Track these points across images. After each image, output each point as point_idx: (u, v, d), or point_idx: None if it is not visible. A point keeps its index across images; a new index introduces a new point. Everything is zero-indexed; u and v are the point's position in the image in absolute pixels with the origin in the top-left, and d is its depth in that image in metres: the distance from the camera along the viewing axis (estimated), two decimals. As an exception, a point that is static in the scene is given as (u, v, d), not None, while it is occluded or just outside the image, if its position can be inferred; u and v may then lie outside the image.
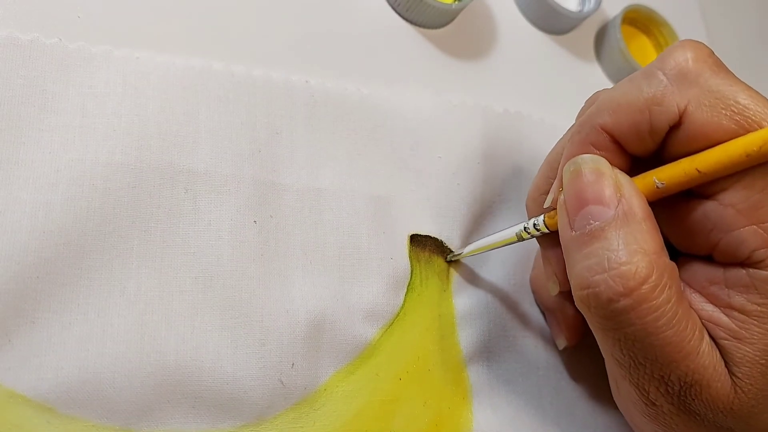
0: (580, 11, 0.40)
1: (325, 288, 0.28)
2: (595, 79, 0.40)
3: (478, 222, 0.32)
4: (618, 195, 0.23)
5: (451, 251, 0.31)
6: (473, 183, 0.32)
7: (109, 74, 0.27)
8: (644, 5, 0.42)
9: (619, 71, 0.40)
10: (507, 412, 0.29)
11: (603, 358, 0.28)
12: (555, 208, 0.25)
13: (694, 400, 0.22)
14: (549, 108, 0.36)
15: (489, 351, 0.30)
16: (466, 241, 0.31)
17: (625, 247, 0.22)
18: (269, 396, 0.26)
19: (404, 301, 0.29)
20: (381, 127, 0.31)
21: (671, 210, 0.24)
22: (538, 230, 0.27)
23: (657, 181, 0.23)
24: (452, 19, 0.36)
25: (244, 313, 0.26)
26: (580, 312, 0.29)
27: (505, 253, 0.32)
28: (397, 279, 0.29)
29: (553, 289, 0.28)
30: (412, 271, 0.30)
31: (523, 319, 0.31)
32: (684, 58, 0.23)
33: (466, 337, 0.30)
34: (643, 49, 0.42)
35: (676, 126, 0.23)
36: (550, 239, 0.27)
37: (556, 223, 0.25)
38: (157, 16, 0.29)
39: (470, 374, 0.30)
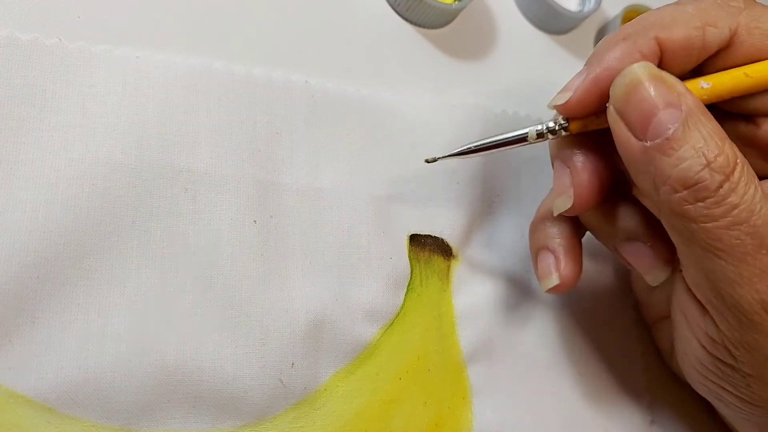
0: (580, 11, 0.40)
1: (325, 288, 0.28)
2: (595, 79, 0.40)
3: (478, 221, 0.32)
4: (679, 95, 0.23)
5: (451, 249, 0.31)
6: (473, 182, 0.32)
7: (109, 74, 0.27)
8: (644, 5, 0.41)
9: (619, 71, 0.40)
10: (507, 412, 0.29)
11: (604, 359, 0.28)
12: (568, 114, 0.25)
13: None
14: (549, 109, 0.36)
15: (489, 351, 0.30)
16: (466, 240, 0.31)
17: (711, 139, 0.23)
18: (269, 396, 0.26)
19: (404, 300, 0.29)
20: (381, 127, 0.31)
21: (734, 135, 0.26)
22: (554, 133, 0.25)
23: (703, 82, 0.24)
24: (452, 19, 0.36)
25: (244, 312, 0.26)
26: (579, 253, 0.28)
27: (505, 253, 0.32)
28: (396, 279, 0.29)
29: (564, 205, 0.26)
30: (411, 271, 0.30)
31: (523, 319, 0.31)
32: None
33: (466, 337, 0.30)
34: (643, 49, 0.42)
35: (723, 48, 0.25)
36: (569, 146, 0.26)
37: (584, 126, 0.25)
38: (157, 15, 0.29)
39: (470, 374, 0.30)
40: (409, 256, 0.30)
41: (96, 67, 0.27)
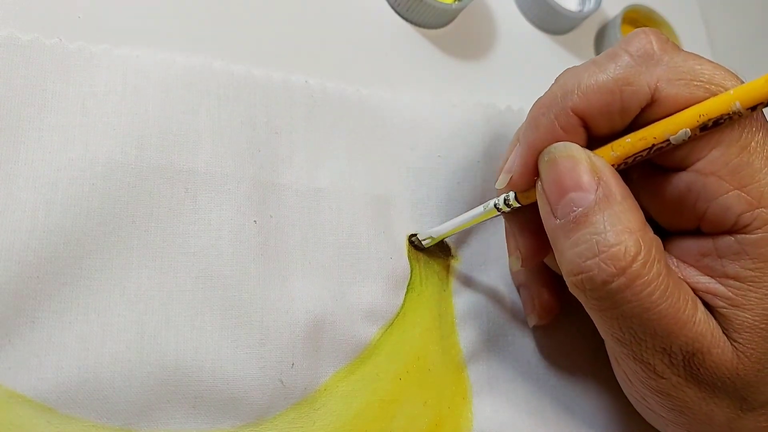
0: (580, 11, 0.40)
1: (325, 288, 0.28)
2: (595, 79, 0.40)
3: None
4: (596, 178, 0.23)
5: (450, 249, 0.31)
6: (474, 182, 0.32)
7: (109, 73, 0.27)
8: (644, 5, 0.42)
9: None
10: (507, 412, 0.29)
11: (603, 357, 0.28)
12: (514, 190, 0.26)
13: (699, 368, 0.23)
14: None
15: (489, 351, 0.30)
16: (466, 240, 0.31)
17: (611, 228, 0.22)
18: (269, 396, 0.26)
19: (404, 301, 0.29)
20: (381, 126, 0.31)
21: (654, 188, 0.25)
22: (509, 206, 0.27)
23: (612, 149, 0.24)
24: (452, 19, 0.36)
25: (244, 313, 0.26)
26: (554, 290, 0.30)
27: (504, 253, 0.32)
28: (396, 279, 0.29)
29: (515, 264, 0.28)
30: (411, 271, 0.30)
31: (523, 319, 0.31)
32: (647, 40, 0.24)
33: (466, 337, 0.30)
34: (643, 49, 0.42)
35: (647, 105, 0.23)
36: (515, 214, 0.27)
37: (528, 198, 0.26)
38: (158, 15, 0.29)
39: (470, 374, 0.30)
40: (409, 256, 0.30)
41: (96, 67, 0.26)
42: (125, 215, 0.25)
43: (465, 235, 0.31)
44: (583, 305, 0.24)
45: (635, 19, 0.42)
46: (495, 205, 0.27)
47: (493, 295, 0.31)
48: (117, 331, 0.24)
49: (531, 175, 0.25)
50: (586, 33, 0.41)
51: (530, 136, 0.25)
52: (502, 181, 0.26)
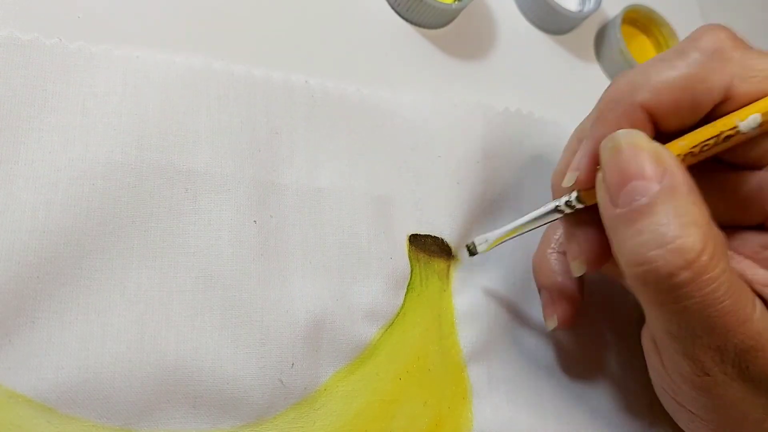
0: (580, 11, 0.40)
1: (325, 288, 0.28)
2: (595, 79, 0.40)
3: (479, 221, 0.32)
4: (661, 168, 0.22)
5: (451, 249, 0.31)
6: (473, 182, 0.32)
7: (110, 73, 0.27)
8: (644, 5, 0.42)
9: (619, 71, 0.40)
10: (507, 412, 0.29)
11: (604, 358, 0.27)
12: (579, 189, 0.25)
13: (749, 366, 0.22)
14: (549, 108, 0.36)
15: (489, 351, 0.30)
16: (466, 240, 0.31)
17: (677, 220, 0.21)
18: (269, 396, 0.26)
19: (404, 300, 0.29)
20: (381, 126, 0.31)
21: (719, 185, 0.24)
22: (571, 207, 0.26)
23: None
24: (452, 19, 0.36)
25: (244, 313, 0.26)
26: (577, 294, 0.30)
27: (504, 253, 0.32)
28: (396, 279, 0.29)
29: (579, 270, 0.27)
30: (411, 271, 0.30)
31: (523, 318, 0.31)
32: (718, 37, 0.23)
33: (466, 337, 0.30)
34: (643, 49, 0.42)
35: (719, 103, 0.23)
36: (576, 217, 0.27)
37: (592, 198, 0.25)
38: (158, 15, 0.29)
39: (470, 374, 0.30)
40: (409, 256, 0.30)
41: (96, 67, 0.27)
42: (125, 215, 0.25)
43: (465, 235, 0.31)
44: (640, 298, 0.23)
45: (635, 19, 0.42)
46: (556, 207, 0.26)
47: (493, 295, 0.31)
48: (117, 331, 0.24)
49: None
50: (586, 33, 0.41)
51: (598, 131, 0.24)
52: (569, 179, 0.26)
